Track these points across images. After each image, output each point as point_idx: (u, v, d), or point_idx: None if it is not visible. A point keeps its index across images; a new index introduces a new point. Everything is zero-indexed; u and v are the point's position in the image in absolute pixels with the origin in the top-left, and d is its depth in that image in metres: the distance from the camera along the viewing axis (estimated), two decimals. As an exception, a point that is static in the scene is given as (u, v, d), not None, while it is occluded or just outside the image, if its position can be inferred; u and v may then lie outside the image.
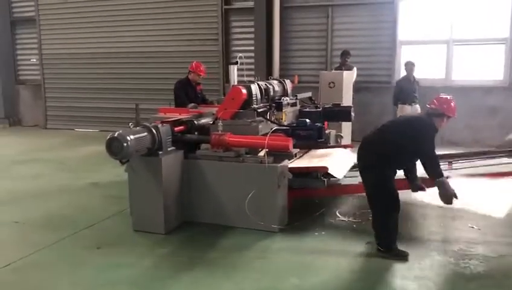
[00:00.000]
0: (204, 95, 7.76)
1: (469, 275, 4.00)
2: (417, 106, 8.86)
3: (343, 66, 9.45)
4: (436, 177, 4.26)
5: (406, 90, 9.00)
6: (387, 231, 4.37)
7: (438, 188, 4.26)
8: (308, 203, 5.80)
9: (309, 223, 5.24)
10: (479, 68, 9.82)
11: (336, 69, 9.50)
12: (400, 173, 4.70)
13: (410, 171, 4.74)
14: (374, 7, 10.30)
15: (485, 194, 5.14)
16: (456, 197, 4.21)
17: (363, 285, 3.90)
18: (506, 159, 6.02)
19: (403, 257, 4.29)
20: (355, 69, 9.49)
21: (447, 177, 4.37)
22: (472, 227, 5.10)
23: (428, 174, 4.36)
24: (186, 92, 7.45)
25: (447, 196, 4.23)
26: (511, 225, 5.06)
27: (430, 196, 5.33)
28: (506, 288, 3.86)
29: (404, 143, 4.31)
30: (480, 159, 6.19)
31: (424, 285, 3.85)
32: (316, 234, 4.99)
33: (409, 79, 9.10)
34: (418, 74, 9.29)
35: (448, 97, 4.52)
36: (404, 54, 10.25)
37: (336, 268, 4.20)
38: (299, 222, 5.20)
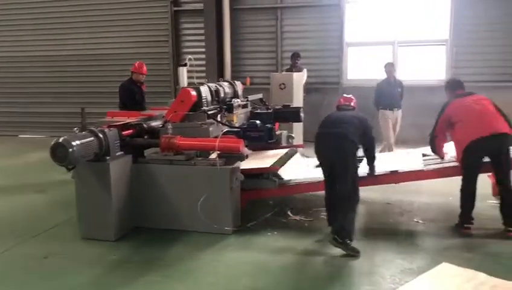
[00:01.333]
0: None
1: (416, 269, 4.14)
2: (399, 111, 8.12)
3: (294, 67, 9.57)
4: (374, 160, 5.01)
5: (385, 94, 8.12)
6: (352, 223, 4.52)
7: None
8: (261, 203, 5.84)
9: (262, 224, 5.27)
10: (423, 68, 10.24)
11: (287, 70, 9.61)
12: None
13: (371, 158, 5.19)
14: (321, 9, 10.51)
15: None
16: None
17: (315, 283, 3.96)
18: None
19: (355, 253, 4.39)
20: (305, 70, 9.64)
21: None
22: (417, 221, 5.29)
23: (369, 158, 5.02)
24: (133, 94, 7.37)
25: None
26: (453, 218, 5.30)
27: (377, 192, 5.51)
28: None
29: (359, 139, 4.75)
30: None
31: (375, 281, 3.95)
32: (269, 234, 5.03)
33: (388, 82, 8.20)
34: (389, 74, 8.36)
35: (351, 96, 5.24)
36: (351, 55, 10.55)
37: (288, 267, 4.24)
38: (252, 223, 5.23)
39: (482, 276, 3.78)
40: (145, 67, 7.71)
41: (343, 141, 4.61)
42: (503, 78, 9.84)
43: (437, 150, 5.42)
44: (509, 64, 9.80)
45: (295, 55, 9.67)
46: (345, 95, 5.44)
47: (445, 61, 10.10)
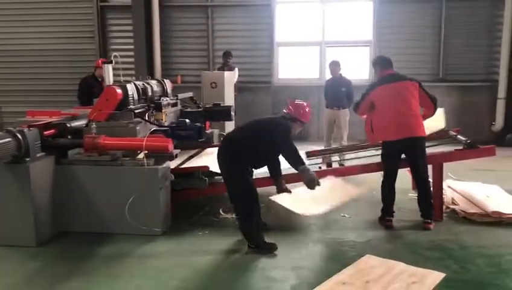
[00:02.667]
0: None
1: (342, 259, 4.30)
2: (342, 110, 7.79)
3: (226, 66, 9.57)
4: (299, 165, 4.42)
5: (328, 93, 7.97)
6: (253, 227, 4.52)
7: (302, 174, 4.42)
8: (192, 203, 5.80)
9: (193, 224, 5.25)
10: (348, 68, 10.63)
11: (219, 69, 9.60)
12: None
13: (274, 172, 4.87)
14: (252, 9, 10.61)
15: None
16: (318, 183, 4.44)
17: (246, 280, 4.00)
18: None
19: (272, 249, 4.47)
20: (236, 69, 9.67)
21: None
22: (344, 216, 5.50)
23: (291, 165, 4.51)
24: (92, 89, 7.11)
25: (311, 180, 4.39)
26: (377, 212, 5.56)
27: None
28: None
29: (258, 146, 4.51)
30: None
31: (302, 274, 4.05)
32: (200, 233, 5.01)
33: (333, 81, 7.93)
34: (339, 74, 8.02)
35: (304, 103, 4.81)
36: (282, 55, 10.75)
37: (219, 266, 4.25)
38: (183, 223, 5.19)
39: (401, 265, 4.00)
40: None
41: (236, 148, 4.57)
42: (424, 78, 10.41)
43: (359, 114, 5.56)
44: (428, 65, 10.46)
45: (227, 54, 9.69)
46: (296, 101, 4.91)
47: (369, 62, 10.56)
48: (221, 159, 4.62)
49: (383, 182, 5.22)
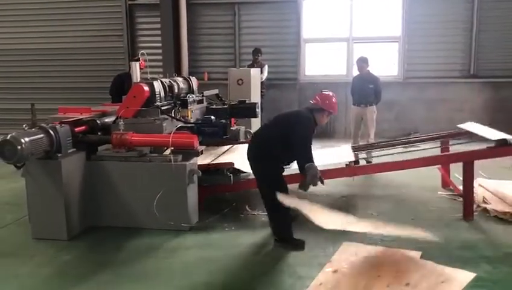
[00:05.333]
0: None
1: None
2: (369, 107, 7.69)
3: (255, 63, 9.58)
4: (306, 163, 4.32)
5: (355, 90, 7.89)
6: (282, 222, 4.55)
7: (308, 171, 4.30)
8: (219, 199, 5.83)
9: (220, 219, 5.28)
10: (377, 64, 10.49)
11: (249, 66, 9.58)
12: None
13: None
14: (278, 5, 10.59)
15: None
16: (322, 181, 4.40)
17: (272, 277, 3.99)
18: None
19: (300, 245, 4.47)
20: (266, 66, 9.67)
21: None
22: (372, 214, 5.44)
23: (299, 160, 4.42)
24: (122, 86, 7.10)
25: (314, 176, 4.30)
26: (405, 210, 5.48)
27: (329, 186, 5.59)
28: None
29: (287, 139, 4.44)
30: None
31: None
32: (226, 229, 5.04)
33: (361, 78, 7.87)
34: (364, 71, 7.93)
35: (330, 94, 4.77)
36: (309, 52, 10.69)
37: (246, 262, 4.27)
38: (209, 219, 5.23)
39: (431, 265, 3.97)
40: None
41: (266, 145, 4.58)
42: (453, 75, 10.26)
43: None
44: (459, 61, 10.23)
45: (256, 51, 9.68)
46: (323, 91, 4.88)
47: (398, 58, 10.41)
48: (252, 156, 4.64)
49: None
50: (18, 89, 11.39)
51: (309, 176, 4.31)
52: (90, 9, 11.07)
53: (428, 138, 6.62)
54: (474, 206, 5.32)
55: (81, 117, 5.31)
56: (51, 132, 4.60)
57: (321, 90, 4.87)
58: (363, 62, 7.79)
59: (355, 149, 6.56)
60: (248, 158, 4.69)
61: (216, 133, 5.57)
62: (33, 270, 4.14)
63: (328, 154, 6.20)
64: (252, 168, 4.72)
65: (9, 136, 4.30)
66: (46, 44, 11.24)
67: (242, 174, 5.55)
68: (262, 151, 4.58)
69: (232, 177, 5.34)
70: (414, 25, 10.17)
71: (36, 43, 11.28)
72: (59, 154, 4.66)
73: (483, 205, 5.42)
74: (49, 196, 4.70)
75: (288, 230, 4.56)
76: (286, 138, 4.46)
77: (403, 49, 10.29)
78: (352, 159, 5.79)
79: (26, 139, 4.32)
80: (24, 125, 4.66)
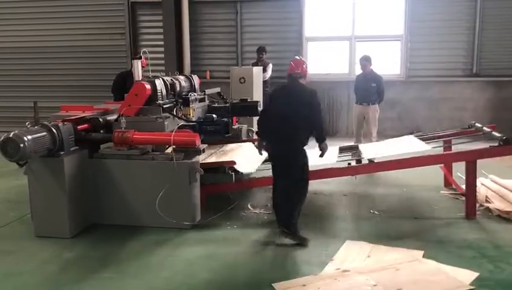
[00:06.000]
0: None
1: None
2: (373, 106, 7.67)
3: (260, 62, 9.54)
4: (324, 138, 4.70)
5: (358, 89, 7.87)
6: (298, 214, 4.62)
7: (324, 147, 4.70)
8: (221, 198, 5.83)
9: (222, 218, 5.28)
10: (380, 63, 10.48)
11: (253, 64, 9.52)
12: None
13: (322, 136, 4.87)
14: (281, 3, 10.57)
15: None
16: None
17: (275, 275, 3.97)
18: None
19: (304, 242, 4.50)
20: (271, 65, 9.63)
21: None
22: (373, 212, 5.43)
23: (320, 135, 4.69)
24: (124, 84, 7.11)
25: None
26: (406, 208, 5.47)
27: (330, 185, 5.58)
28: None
29: (307, 118, 4.57)
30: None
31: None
32: (229, 228, 5.04)
33: (363, 76, 7.86)
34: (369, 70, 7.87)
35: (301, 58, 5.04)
36: (311, 50, 10.67)
37: (247, 261, 4.27)
38: (212, 217, 5.22)
39: (433, 264, 3.97)
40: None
41: (294, 135, 4.58)
42: (456, 74, 10.23)
43: None
44: (462, 60, 10.21)
45: (261, 50, 9.63)
46: (296, 57, 5.10)
47: (400, 56, 10.39)
48: (285, 151, 4.59)
49: None
50: (21, 87, 11.40)
51: (326, 150, 4.73)
52: (92, 7, 11.07)
53: (431, 136, 6.61)
54: (477, 205, 5.31)
55: (83, 115, 5.32)
56: (54, 130, 4.60)
57: (294, 58, 4.99)
58: (366, 61, 7.79)
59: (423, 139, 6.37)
60: (279, 156, 4.66)
61: (218, 132, 5.58)
62: (36, 268, 4.14)
63: (394, 145, 6.13)
64: (284, 163, 4.62)
65: (12, 134, 4.31)
66: (48, 42, 11.25)
67: (240, 174, 5.54)
68: (295, 142, 4.58)
69: (233, 175, 5.33)
70: (417, 23, 10.14)
71: (39, 41, 11.30)
72: (61, 152, 4.68)
73: (486, 204, 5.42)
74: (52, 193, 4.71)
75: (297, 224, 4.62)
76: (308, 118, 4.56)
77: (405, 47, 10.26)
78: (424, 148, 5.64)
79: (29, 137, 4.33)
80: (27, 123, 4.66)
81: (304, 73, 4.77)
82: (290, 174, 4.60)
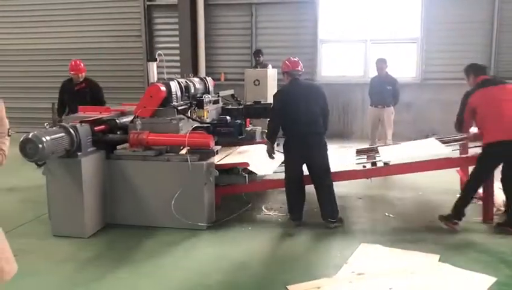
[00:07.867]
0: (97, 93, 7.27)
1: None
2: (388, 108, 7.65)
3: (258, 64, 9.38)
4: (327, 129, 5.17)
5: (373, 91, 7.83)
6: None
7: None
8: (236, 199, 5.85)
9: (236, 219, 5.30)
10: (395, 66, 10.41)
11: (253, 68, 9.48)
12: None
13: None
14: (295, 6, 10.58)
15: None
16: None
17: (289, 277, 3.98)
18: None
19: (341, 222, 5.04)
20: (270, 66, 9.53)
21: None
22: (388, 215, 5.40)
23: (325, 127, 5.14)
24: (63, 93, 7.19)
25: None
26: (423, 212, 5.43)
27: (346, 188, 5.57)
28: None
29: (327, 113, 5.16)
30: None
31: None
32: (243, 229, 5.05)
33: (378, 79, 7.82)
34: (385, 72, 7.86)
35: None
36: (325, 52, 10.66)
37: (261, 262, 4.28)
38: (226, 219, 5.24)
39: (449, 268, 3.93)
40: (80, 65, 7.32)
41: (316, 120, 5.00)
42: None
43: (465, 131, 5.50)
44: (480, 62, 9.92)
45: (257, 52, 9.54)
46: (290, 57, 5.44)
47: (416, 59, 10.32)
48: (311, 145, 4.95)
49: (468, 183, 4.99)
50: (39, 88, 11.58)
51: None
52: (108, 10, 11.22)
53: (449, 139, 6.53)
54: (494, 209, 5.24)
55: (100, 116, 5.38)
56: (71, 131, 4.68)
57: (289, 58, 5.39)
58: (382, 63, 7.76)
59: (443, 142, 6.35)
60: (305, 153, 4.96)
61: (231, 133, 5.62)
62: (53, 267, 4.21)
63: (413, 148, 6.14)
64: (312, 158, 4.98)
65: (31, 134, 4.39)
66: (65, 44, 11.41)
67: (253, 175, 5.56)
68: (320, 136, 5.02)
69: (247, 177, 5.35)
70: (433, 25, 10.06)
71: (55, 43, 11.47)
72: (79, 153, 4.74)
73: (503, 208, 5.34)
74: (69, 193, 4.78)
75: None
76: (321, 107, 5.07)
77: (421, 50, 10.19)
78: (444, 151, 5.64)
79: (48, 137, 4.40)
80: (45, 124, 4.74)
81: (301, 71, 5.27)
82: (319, 162, 4.99)
